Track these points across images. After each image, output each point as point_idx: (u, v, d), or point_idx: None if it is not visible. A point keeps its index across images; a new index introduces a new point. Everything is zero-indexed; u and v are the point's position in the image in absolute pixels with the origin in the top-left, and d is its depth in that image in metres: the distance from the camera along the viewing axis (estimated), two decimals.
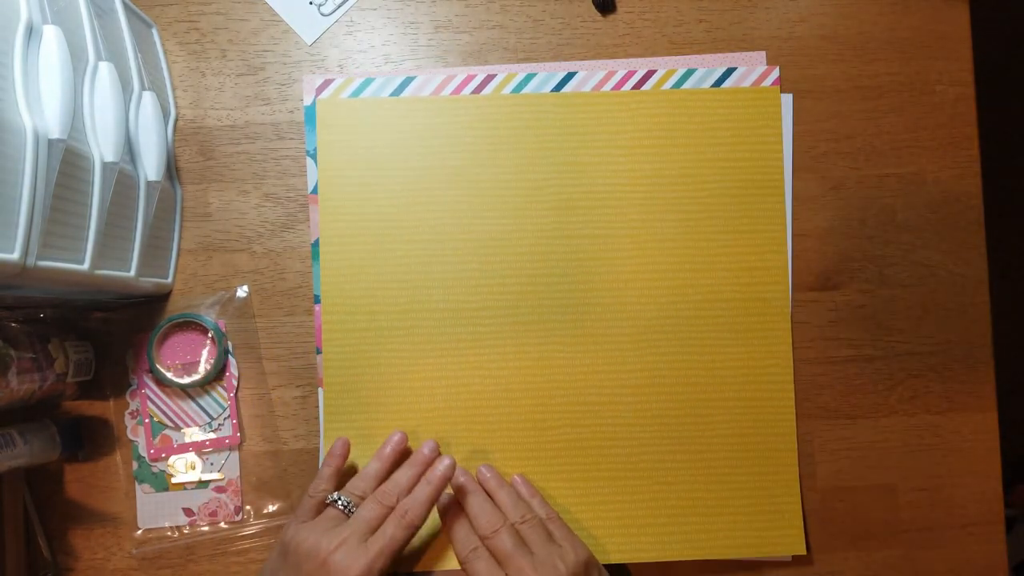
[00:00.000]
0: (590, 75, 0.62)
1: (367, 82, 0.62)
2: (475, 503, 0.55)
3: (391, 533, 0.52)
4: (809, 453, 0.62)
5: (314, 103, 0.62)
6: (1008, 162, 1.41)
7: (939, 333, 0.63)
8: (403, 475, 0.56)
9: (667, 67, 0.62)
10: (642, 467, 0.60)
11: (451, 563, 0.59)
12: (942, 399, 0.63)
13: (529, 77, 0.62)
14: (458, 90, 0.62)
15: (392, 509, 0.53)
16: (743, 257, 0.61)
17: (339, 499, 0.54)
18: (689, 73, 0.62)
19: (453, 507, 0.57)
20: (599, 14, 0.64)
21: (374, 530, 0.52)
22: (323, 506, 0.55)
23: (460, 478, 0.57)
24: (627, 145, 0.61)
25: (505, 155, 0.61)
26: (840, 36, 0.64)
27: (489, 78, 0.62)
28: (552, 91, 0.62)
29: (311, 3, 0.63)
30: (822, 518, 0.62)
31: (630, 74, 0.62)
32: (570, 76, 0.62)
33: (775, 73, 0.62)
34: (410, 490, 0.55)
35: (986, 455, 0.63)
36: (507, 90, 0.62)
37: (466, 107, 0.62)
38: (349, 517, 0.53)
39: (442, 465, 0.55)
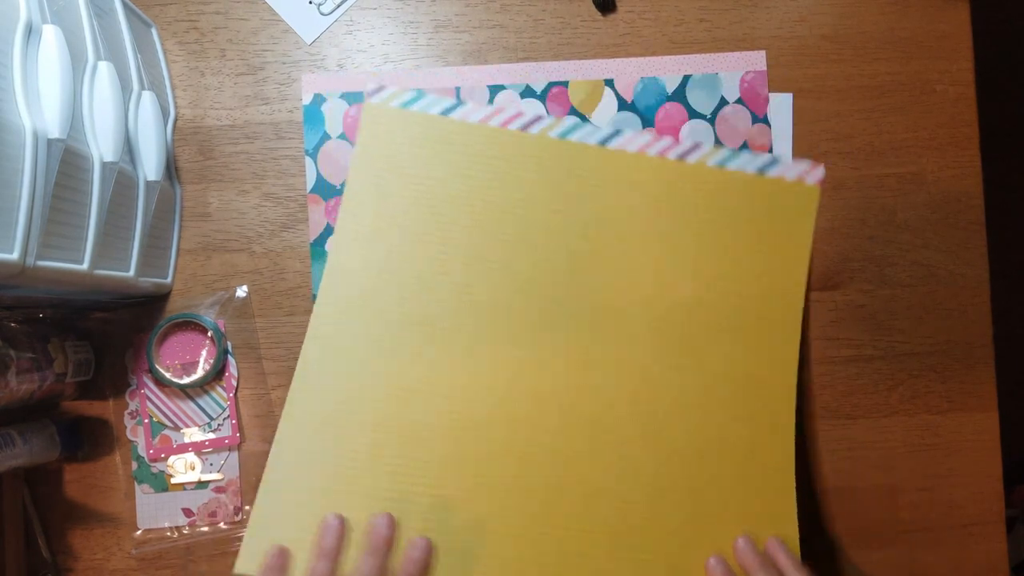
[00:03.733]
0: (636, 136, 0.61)
1: (418, 96, 0.61)
2: None
3: None
4: (809, 453, 0.62)
5: (313, 102, 0.62)
6: (1008, 162, 1.41)
7: (939, 333, 0.63)
8: (367, 566, 0.49)
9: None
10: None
11: None
12: (942, 399, 0.63)
13: (577, 125, 0.61)
14: (505, 124, 0.62)
15: None
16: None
17: None
18: (736, 154, 0.60)
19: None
20: (599, 13, 0.64)
21: None
22: None
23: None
24: (655, 213, 0.61)
25: (539, 193, 0.61)
26: (840, 36, 0.64)
27: (537, 119, 0.61)
28: (597, 143, 0.62)
29: (311, 2, 0.63)
30: (822, 518, 0.62)
31: (675, 144, 0.61)
32: (617, 133, 0.62)
33: (820, 171, 0.59)
34: None
35: (986, 455, 0.63)
36: (554, 133, 0.62)
37: (513, 142, 0.61)
38: None
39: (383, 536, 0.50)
